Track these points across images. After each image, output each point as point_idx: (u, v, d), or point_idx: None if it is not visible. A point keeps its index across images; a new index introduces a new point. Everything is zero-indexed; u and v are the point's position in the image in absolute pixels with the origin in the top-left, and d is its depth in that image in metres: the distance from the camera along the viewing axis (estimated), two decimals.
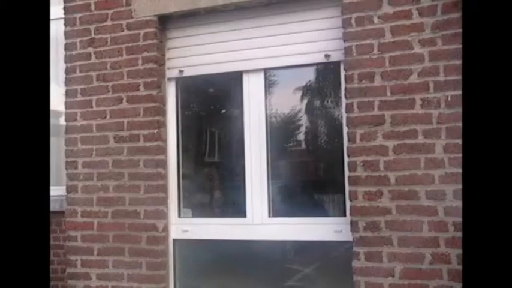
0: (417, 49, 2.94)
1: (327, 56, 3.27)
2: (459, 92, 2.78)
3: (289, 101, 3.55)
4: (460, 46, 2.78)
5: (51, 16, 3.42)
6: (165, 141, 3.58)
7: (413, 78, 2.94)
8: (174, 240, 3.58)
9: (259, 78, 3.47)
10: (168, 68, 3.65)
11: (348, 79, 3.07)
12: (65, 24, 3.78)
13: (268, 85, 3.50)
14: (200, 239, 3.55)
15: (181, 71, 3.63)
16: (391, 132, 2.96)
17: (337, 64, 3.27)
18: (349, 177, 3.05)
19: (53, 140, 3.88)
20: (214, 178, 3.87)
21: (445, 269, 2.81)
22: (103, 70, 3.63)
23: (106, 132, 3.60)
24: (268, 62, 3.43)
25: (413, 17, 2.95)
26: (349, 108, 3.06)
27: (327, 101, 3.52)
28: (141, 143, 3.52)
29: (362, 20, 3.05)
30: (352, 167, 3.02)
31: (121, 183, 3.55)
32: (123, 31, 3.60)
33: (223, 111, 3.99)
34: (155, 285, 3.43)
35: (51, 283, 4.35)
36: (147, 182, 3.49)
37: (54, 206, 4.23)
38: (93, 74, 3.66)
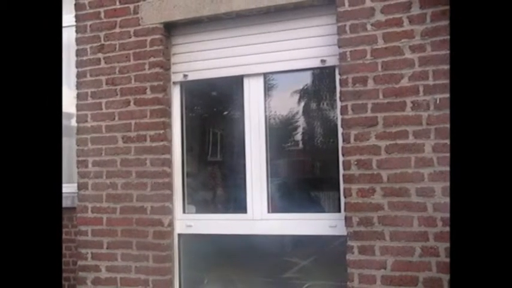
0: (408, 55, 2.94)
1: (323, 61, 3.27)
2: (447, 95, 2.78)
3: (287, 103, 3.55)
4: (448, 52, 2.78)
5: (64, 24, 3.42)
6: (170, 141, 3.58)
7: (404, 82, 2.94)
8: (179, 235, 3.58)
9: (259, 82, 3.47)
10: (173, 73, 3.65)
11: (343, 83, 3.07)
12: (76, 31, 3.78)
13: (268, 88, 3.50)
14: (203, 233, 3.55)
15: (185, 75, 3.63)
16: (383, 132, 2.96)
17: (332, 69, 3.27)
18: (343, 175, 3.05)
19: (65, 140, 3.89)
20: (216, 176, 3.87)
21: (434, 262, 2.82)
22: (112, 74, 3.63)
23: (115, 133, 3.60)
24: (267, 66, 3.43)
25: (404, 25, 2.95)
26: (343, 110, 3.06)
27: (323, 104, 3.52)
28: (147, 143, 3.52)
29: (356, 27, 3.05)
30: (347, 165, 3.03)
31: (129, 181, 3.55)
32: (130, 38, 3.60)
33: (225, 113, 3.99)
34: (161, 277, 3.43)
35: (63, 275, 4.35)
36: (154, 179, 3.49)
37: (66, 203, 4.22)
38: (103, 78, 3.66)
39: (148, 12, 3.57)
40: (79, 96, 3.74)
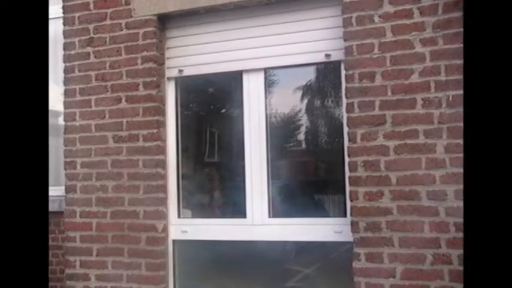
0: (418, 48, 2.94)
1: (327, 55, 3.27)
2: (460, 92, 2.79)
3: (290, 100, 3.55)
4: (461, 45, 2.78)
5: (50, 15, 3.42)
6: (164, 141, 3.58)
7: (414, 78, 2.94)
8: (174, 241, 3.58)
9: (259, 78, 3.47)
10: (168, 68, 3.65)
11: (349, 79, 3.07)
12: (64, 24, 3.78)
13: (268, 85, 3.50)
14: (200, 239, 3.55)
15: (180, 71, 3.63)
16: (392, 132, 2.96)
17: (337, 64, 3.27)
18: (349, 177, 3.05)
19: (51, 140, 3.88)
20: (214, 178, 3.87)
21: (446, 270, 2.82)
22: (102, 70, 3.63)
23: (105, 132, 3.60)
24: (268, 61, 3.44)
25: (414, 16, 2.95)
26: (349, 108, 3.06)
27: (328, 101, 3.52)
28: (140, 143, 3.52)
29: (363, 19, 3.05)
30: (353, 167, 3.03)
31: (120, 184, 3.55)
32: (122, 30, 3.60)
33: (223, 111, 3.99)
34: (154, 286, 3.43)
35: (50, 284, 4.35)
36: (147, 182, 3.49)
37: (53, 206, 4.24)
38: (92, 73, 3.66)
39: (141, 3, 3.57)
40: (67, 93, 3.74)
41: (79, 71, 3.70)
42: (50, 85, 3.17)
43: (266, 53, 3.42)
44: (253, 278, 3.49)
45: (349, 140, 3.05)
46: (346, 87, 3.09)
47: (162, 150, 3.55)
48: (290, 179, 3.64)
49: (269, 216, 3.40)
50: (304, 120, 3.58)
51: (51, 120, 4.38)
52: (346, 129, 3.12)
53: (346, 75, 3.09)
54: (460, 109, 2.80)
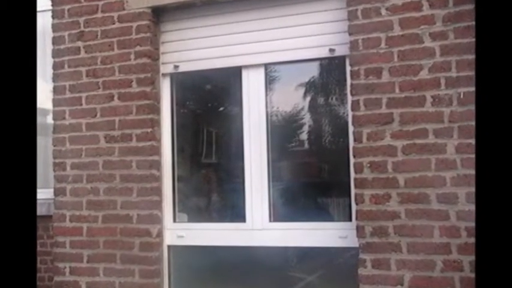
0: (427, 43, 2.94)
1: (331, 50, 3.27)
2: (472, 89, 2.79)
3: (291, 98, 3.55)
4: (473, 40, 2.78)
5: (38, 8, 3.42)
6: (159, 141, 3.58)
7: (424, 74, 2.94)
8: (169, 247, 3.58)
9: (260, 74, 3.47)
10: (163, 63, 3.65)
11: (354, 75, 3.07)
12: (53, 17, 3.79)
13: (269, 81, 3.51)
14: (196, 245, 3.56)
15: (176, 66, 3.63)
16: (400, 131, 2.97)
17: (342, 59, 3.27)
18: (355, 179, 3.05)
19: (40, 140, 3.89)
20: (211, 180, 3.87)
21: (457, 277, 2.82)
22: (93, 65, 3.63)
23: (96, 132, 3.60)
24: (269, 56, 3.44)
25: (424, 9, 2.96)
26: (355, 106, 3.06)
27: (332, 98, 3.52)
28: (133, 143, 3.52)
29: (369, 12, 3.05)
30: (359, 168, 3.03)
31: (112, 186, 3.55)
32: (114, 24, 3.60)
33: (221, 109, 3.99)
34: None
35: None
36: (140, 184, 3.50)
37: (41, 210, 4.22)
38: (83, 69, 3.66)
39: None
40: (56, 90, 3.74)
41: (69, 66, 3.70)
42: (38, 82, 3.17)
43: (267, 47, 3.42)
44: (253, 286, 3.49)
45: (355, 140, 3.06)
46: (352, 84, 3.09)
47: (157, 150, 3.55)
48: (292, 181, 3.64)
49: (270, 221, 3.40)
50: (306, 119, 3.58)
51: (40, 119, 4.38)
52: (351, 129, 3.12)
53: (351, 71, 3.09)
54: (472, 107, 2.80)
